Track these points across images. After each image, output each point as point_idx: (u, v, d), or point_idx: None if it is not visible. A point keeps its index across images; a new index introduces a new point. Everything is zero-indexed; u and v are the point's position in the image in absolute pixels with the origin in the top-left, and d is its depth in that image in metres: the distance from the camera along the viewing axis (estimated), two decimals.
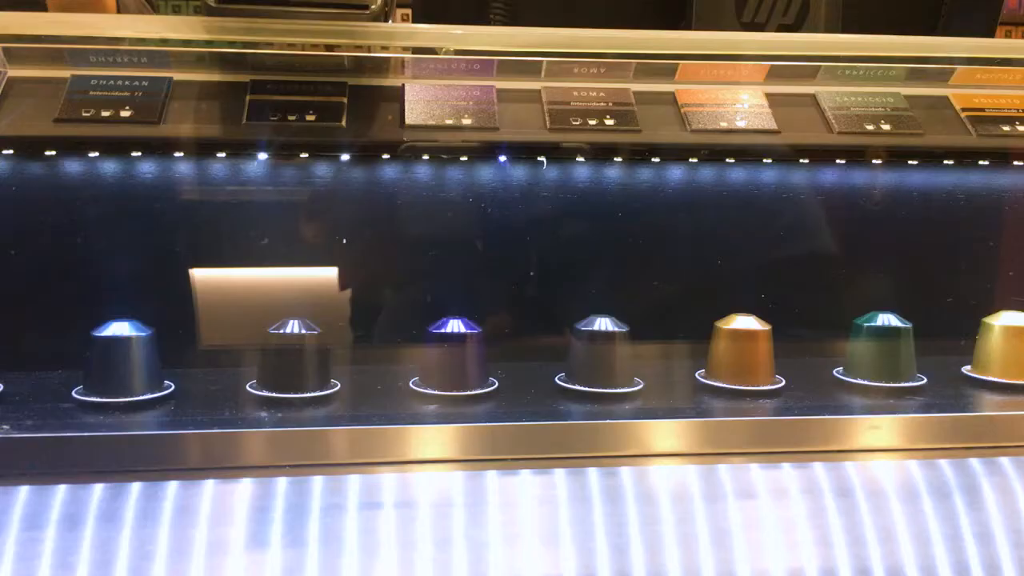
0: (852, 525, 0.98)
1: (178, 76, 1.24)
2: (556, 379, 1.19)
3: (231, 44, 1.17)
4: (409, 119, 1.22)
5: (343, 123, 1.21)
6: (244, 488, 0.97)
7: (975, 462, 1.06)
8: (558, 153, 1.29)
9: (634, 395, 1.16)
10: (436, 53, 1.23)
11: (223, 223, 1.31)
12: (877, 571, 0.96)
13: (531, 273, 1.34)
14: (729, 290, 1.36)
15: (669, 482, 1.01)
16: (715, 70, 1.29)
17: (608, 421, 1.05)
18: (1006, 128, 1.28)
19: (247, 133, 1.20)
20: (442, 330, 1.16)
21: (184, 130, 1.21)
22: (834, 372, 1.24)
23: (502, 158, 1.32)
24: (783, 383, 1.19)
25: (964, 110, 1.30)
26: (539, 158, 1.31)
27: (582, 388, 1.16)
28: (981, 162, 1.35)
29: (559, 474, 1.01)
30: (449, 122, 1.23)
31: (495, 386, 1.17)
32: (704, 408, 1.13)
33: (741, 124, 1.27)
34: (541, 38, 1.22)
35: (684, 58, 1.26)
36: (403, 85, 1.27)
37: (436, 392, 1.14)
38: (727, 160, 1.33)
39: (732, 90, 1.31)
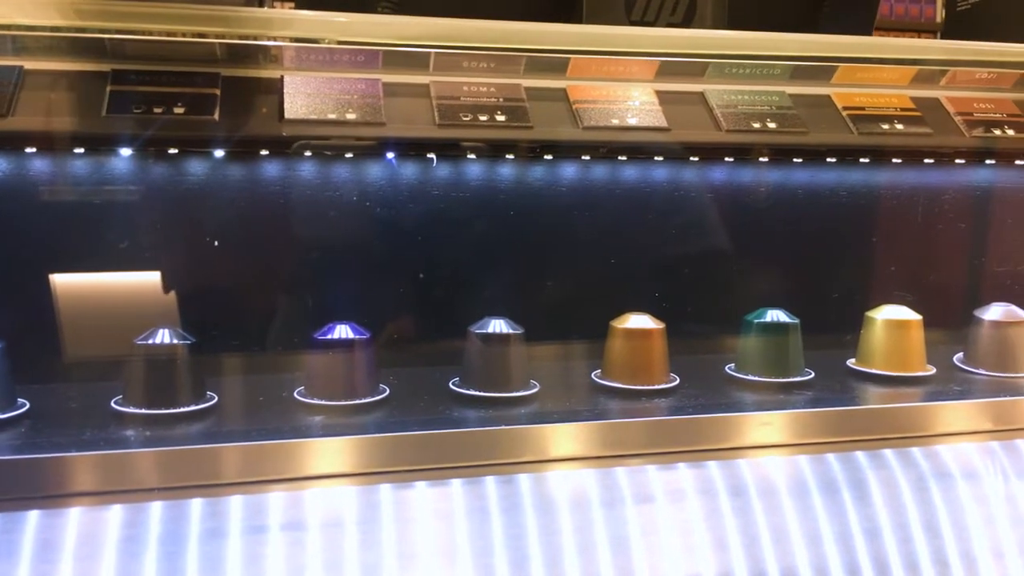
0: (747, 525, 0.99)
1: (30, 64, 1.13)
2: (451, 384, 1.15)
3: (87, 29, 1.07)
4: (289, 113, 1.15)
5: (216, 116, 1.13)
6: (113, 515, 0.88)
7: (861, 455, 1.08)
8: (448, 150, 1.24)
9: (531, 398, 1.13)
10: (318, 43, 1.16)
11: (83, 224, 1.20)
12: (772, 572, 0.97)
13: (421, 275, 1.29)
14: (624, 289, 1.35)
15: (567, 488, 0.98)
16: (606, 66, 1.27)
17: (505, 427, 1.01)
18: (885, 127, 1.31)
19: (107, 126, 1.10)
20: (328, 336, 1.10)
21: (36, 123, 1.10)
22: (726, 369, 1.25)
23: (390, 155, 1.26)
24: (677, 381, 1.19)
25: (845, 109, 1.33)
26: (429, 155, 1.27)
27: (477, 393, 1.12)
28: (862, 160, 1.39)
29: (455, 484, 0.97)
30: (332, 116, 1.16)
31: (386, 393, 1.12)
32: (601, 410, 1.11)
33: (632, 121, 1.26)
34: (429, 29, 1.17)
35: (576, 53, 1.23)
36: (282, 77, 1.19)
37: (323, 402, 1.08)
38: (619, 158, 1.32)
39: (623, 87, 1.29)
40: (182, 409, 1.03)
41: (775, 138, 1.29)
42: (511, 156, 1.29)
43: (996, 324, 1.29)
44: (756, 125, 1.28)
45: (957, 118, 1.37)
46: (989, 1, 1.56)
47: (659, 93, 1.30)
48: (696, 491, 1.00)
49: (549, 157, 1.31)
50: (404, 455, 0.98)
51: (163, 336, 1.04)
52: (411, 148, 1.24)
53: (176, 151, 1.19)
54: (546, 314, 1.32)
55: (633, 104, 1.28)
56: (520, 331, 1.14)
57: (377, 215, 1.28)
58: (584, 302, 1.33)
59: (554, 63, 1.25)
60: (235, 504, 0.91)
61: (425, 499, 0.95)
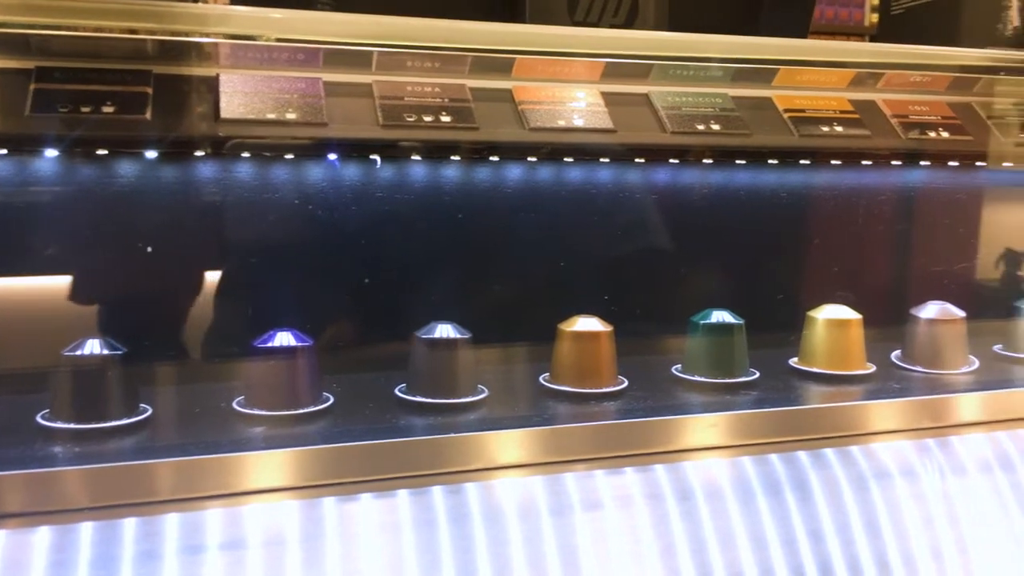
0: (694, 530, 0.99)
1: None
2: (397, 391, 1.12)
3: (9, 24, 1.01)
4: (225, 112, 1.11)
5: (147, 116, 1.08)
6: (40, 538, 0.84)
7: (803, 455, 1.09)
8: (392, 151, 1.22)
9: (478, 404, 1.11)
10: (255, 40, 1.12)
11: (6, 229, 1.14)
12: None
13: (366, 280, 1.27)
14: (571, 291, 1.34)
15: (516, 496, 0.97)
16: (552, 67, 1.26)
17: (452, 435, 0.99)
18: (824, 129, 1.33)
19: (31, 126, 1.04)
20: (269, 344, 1.06)
21: None
22: (673, 370, 1.25)
23: (332, 156, 1.23)
24: (626, 383, 1.18)
25: (786, 111, 1.35)
26: (372, 156, 1.24)
27: (424, 399, 1.10)
28: (803, 161, 1.41)
29: (402, 495, 0.95)
30: (271, 116, 1.12)
31: (330, 402, 1.09)
32: (549, 415, 1.10)
33: (579, 123, 1.25)
34: (371, 27, 1.14)
35: (521, 53, 1.22)
36: (218, 75, 1.15)
37: (264, 412, 1.04)
38: (565, 159, 1.31)
39: (569, 88, 1.29)
40: (113, 423, 0.98)
41: (719, 140, 1.30)
42: (456, 157, 1.27)
43: (932, 322, 1.31)
44: (700, 127, 1.28)
45: (893, 120, 1.39)
46: (922, 5, 1.60)
47: (605, 95, 1.29)
48: (644, 496, 0.99)
49: (495, 158, 1.30)
50: (349, 466, 0.95)
51: (92, 346, 0.99)
52: (354, 149, 1.21)
53: (105, 152, 1.13)
54: (493, 317, 1.31)
55: (579, 105, 1.27)
56: (467, 335, 1.12)
57: (319, 218, 1.25)
58: (531, 305, 1.32)
59: (499, 63, 1.23)
60: (171, 523, 0.87)
61: (370, 512, 0.92)
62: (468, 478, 0.98)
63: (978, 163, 1.45)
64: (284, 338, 1.07)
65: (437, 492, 0.95)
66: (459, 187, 1.31)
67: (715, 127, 1.29)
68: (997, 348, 1.39)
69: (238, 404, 1.06)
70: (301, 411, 1.05)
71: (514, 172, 1.33)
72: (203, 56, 1.14)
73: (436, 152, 1.24)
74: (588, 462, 1.02)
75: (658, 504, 0.99)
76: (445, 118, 1.19)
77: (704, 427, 1.08)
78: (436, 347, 1.11)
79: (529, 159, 1.31)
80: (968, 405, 1.19)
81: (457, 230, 1.32)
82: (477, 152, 1.25)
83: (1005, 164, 1.46)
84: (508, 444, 1.01)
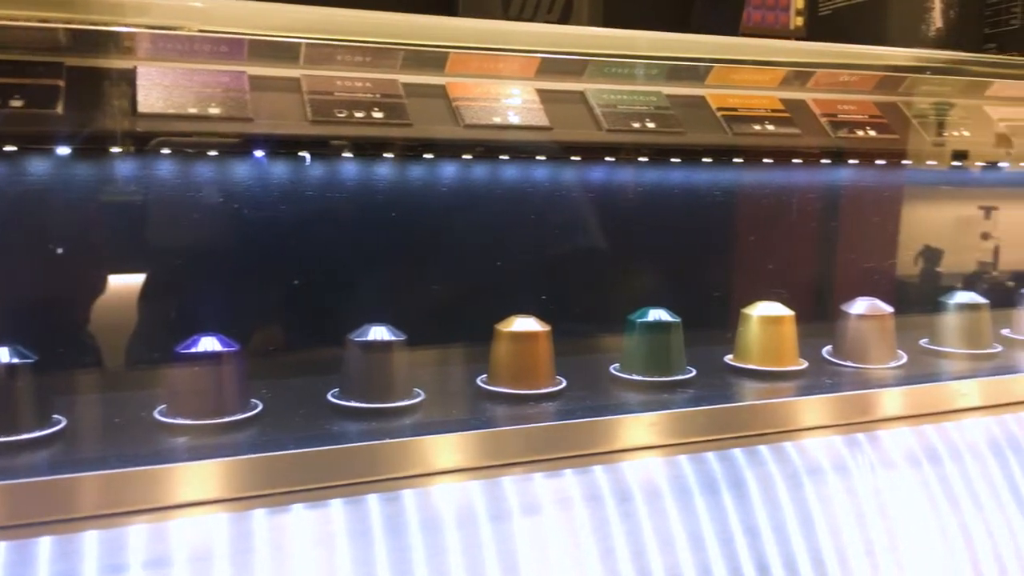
0: (633, 531, 0.98)
1: None
2: (329, 396, 1.09)
3: None
4: (143, 106, 1.05)
5: (59, 110, 1.02)
6: None
7: (738, 452, 1.10)
8: (322, 148, 1.18)
9: (414, 408, 1.08)
10: (175, 31, 1.07)
11: None
12: None
13: (296, 281, 1.22)
14: (508, 291, 1.33)
15: (454, 502, 0.95)
16: (486, 63, 1.24)
17: (388, 441, 0.96)
18: (757, 127, 1.34)
19: None
20: (193, 349, 1.01)
21: None
22: (611, 369, 1.24)
23: (258, 153, 1.18)
24: (564, 384, 1.17)
25: (719, 109, 1.35)
26: (301, 153, 1.20)
27: (358, 404, 1.07)
28: (736, 160, 1.41)
29: (336, 505, 0.92)
30: (192, 111, 1.07)
31: (259, 409, 1.05)
32: (487, 417, 1.08)
33: (514, 120, 1.23)
34: (298, 18, 1.10)
35: (455, 48, 1.19)
36: (135, 67, 1.10)
37: (188, 422, 1.00)
38: (501, 157, 1.29)
39: (504, 85, 1.27)
40: (25, 436, 0.92)
41: (654, 138, 1.29)
42: (389, 155, 1.24)
43: (861, 318, 1.34)
44: (636, 125, 1.28)
45: (823, 119, 1.41)
46: (849, 7, 1.63)
47: (540, 92, 1.27)
48: (583, 498, 0.98)
49: (429, 156, 1.27)
50: (280, 476, 0.91)
51: (0, 354, 0.93)
52: (282, 146, 1.17)
53: (14, 148, 1.07)
54: (429, 319, 1.28)
55: (514, 102, 1.25)
56: (402, 338, 1.09)
57: (246, 217, 1.20)
58: (468, 305, 1.30)
59: (433, 58, 1.20)
60: (90, 541, 0.82)
61: (303, 523, 0.89)
62: (404, 485, 0.95)
63: (904, 161, 1.48)
64: (209, 343, 1.02)
65: (373, 500, 0.93)
66: (392, 185, 1.28)
67: (651, 125, 1.29)
68: (923, 342, 1.43)
69: (160, 413, 1.01)
70: (228, 419, 1.01)
71: (449, 170, 1.30)
72: (120, 47, 1.08)
73: (368, 149, 1.21)
74: (527, 465, 1.01)
75: (597, 506, 0.98)
76: (377, 114, 1.15)
77: (643, 426, 1.07)
78: (370, 350, 1.08)
79: (464, 157, 1.29)
80: (896, 400, 1.21)
81: (391, 229, 1.29)
82: (411, 150, 1.22)
83: (929, 162, 1.50)
84: (445, 448, 0.99)
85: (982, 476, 1.16)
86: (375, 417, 1.05)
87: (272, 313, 1.23)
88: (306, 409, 1.07)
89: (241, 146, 1.14)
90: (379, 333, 1.09)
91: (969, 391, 1.24)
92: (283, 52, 1.13)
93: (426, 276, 1.32)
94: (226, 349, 1.02)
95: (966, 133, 1.50)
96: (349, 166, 1.25)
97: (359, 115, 1.14)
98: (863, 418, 1.19)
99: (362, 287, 1.26)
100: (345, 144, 1.17)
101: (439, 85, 1.24)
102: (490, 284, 1.34)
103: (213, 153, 1.16)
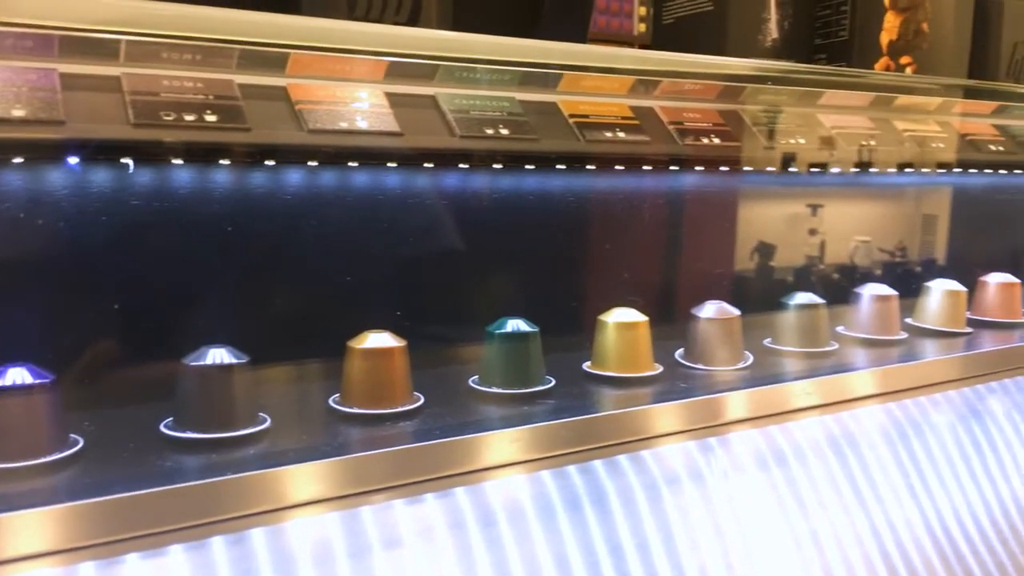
0: (499, 556, 0.94)
1: None
2: (162, 427, 0.99)
3: None
4: None
5: None
6: None
7: (599, 464, 1.09)
8: (147, 154, 1.07)
9: (260, 436, 1.00)
10: None
11: None
12: None
13: (121, 301, 1.11)
14: (360, 305, 1.26)
15: (308, 538, 0.88)
16: (331, 64, 1.17)
17: (231, 476, 0.88)
18: (609, 135, 1.35)
19: None
20: None
21: None
22: (470, 382, 1.20)
23: (72, 159, 1.06)
24: (422, 400, 1.12)
25: (572, 116, 1.35)
26: (123, 160, 1.08)
27: (196, 435, 0.97)
28: (589, 167, 1.41)
29: (175, 552, 0.83)
30: None
31: (79, 446, 0.93)
32: (341, 442, 1.01)
33: (363, 125, 1.17)
34: (117, 11, 0.99)
35: (297, 48, 1.12)
36: None
37: None
38: (349, 163, 1.22)
39: (351, 88, 1.20)
40: None
41: (508, 145, 1.27)
42: (226, 161, 1.15)
43: (711, 321, 1.37)
44: (489, 131, 1.25)
45: (670, 127, 1.44)
46: (691, 16, 1.67)
47: (389, 96, 1.22)
48: (447, 525, 0.94)
49: (270, 162, 1.18)
50: (108, 523, 0.82)
51: None
52: (100, 151, 1.05)
53: None
54: (275, 338, 1.19)
55: (362, 106, 1.19)
56: (244, 359, 1.01)
57: (59, 231, 1.08)
58: (317, 321, 1.22)
59: (272, 58, 1.12)
60: None
61: (138, 575, 0.80)
62: (252, 523, 0.87)
63: (746, 168, 1.53)
64: (18, 375, 0.90)
65: (217, 544, 0.84)
66: (230, 194, 1.18)
67: (504, 131, 1.26)
68: (767, 342, 1.48)
69: None
70: (44, 460, 0.89)
71: (293, 177, 1.22)
72: None
73: (201, 155, 1.11)
74: (386, 491, 0.95)
75: (461, 533, 0.94)
76: (210, 117, 1.06)
77: (505, 443, 1.04)
78: (208, 375, 0.99)
79: (309, 163, 1.21)
80: (745, 402, 1.24)
81: (229, 242, 1.19)
82: (249, 155, 1.14)
83: (769, 168, 1.56)
84: (296, 480, 0.91)
85: (825, 475, 1.20)
86: (216, 448, 0.96)
87: (95, 337, 1.10)
88: (136, 443, 0.97)
89: (51, 151, 1.02)
90: (218, 355, 1.00)
91: (811, 390, 1.29)
92: (100, 48, 1.02)
93: (271, 291, 1.23)
94: (38, 380, 0.91)
95: (801, 140, 1.58)
96: (180, 173, 1.14)
97: (190, 118, 1.04)
98: (715, 421, 1.21)
99: (199, 305, 1.16)
100: (174, 149, 1.07)
101: (280, 87, 1.15)
102: (341, 298, 1.27)
103: (18, 160, 1.03)
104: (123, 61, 1.05)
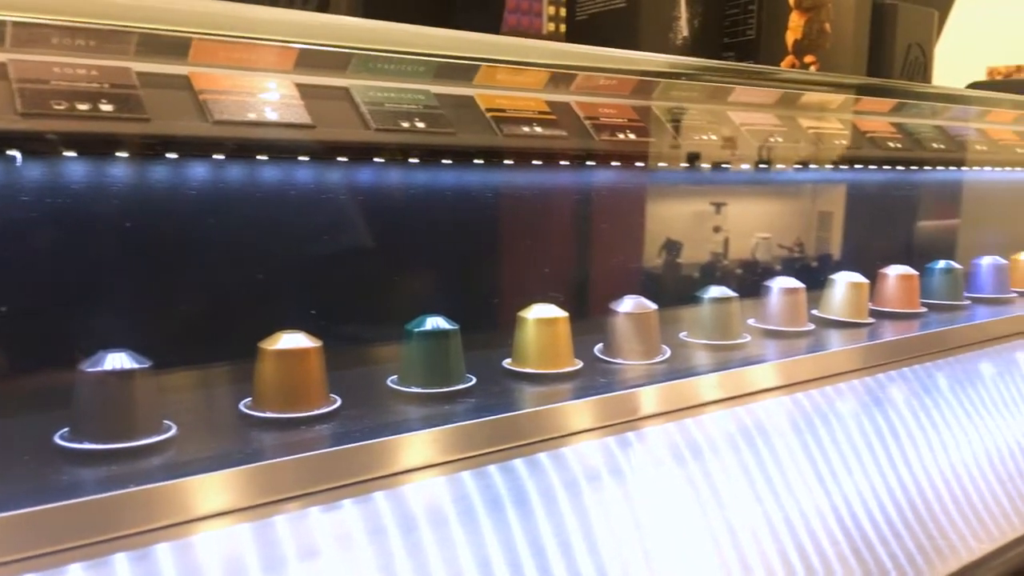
0: (420, 562, 0.92)
1: None
2: (57, 438, 0.92)
3: None
4: None
5: None
6: None
7: (519, 462, 1.08)
8: (37, 146, 1.00)
9: (165, 445, 0.95)
10: None
11: None
12: None
13: (3, 308, 1.03)
14: (273, 305, 1.21)
15: (219, 553, 0.83)
16: (237, 52, 1.12)
17: (134, 488, 0.83)
18: (526, 129, 1.33)
19: None
20: None
21: None
22: (388, 382, 1.17)
23: None
24: (339, 403, 1.09)
25: (488, 110, 1.33)
26: (10, 152, 1.01)
27: (95, 446, 0.91)
28: (507, 161, 1.40)
29: (74, 571, 0.77)
30: None
31: None
32: (254, 448, 0.97)
33: (272, 116, 1.12)
34: None
35: (199, 35, 1.06)
36: None
37: None
38: (258, 157, 1.17)
39: (258, 77, 1.15)
40: None
41: (425, 138, 1.24)
42: (124, 154, 1.08)
43: (629, 316, 1.38)
44: (405, 124, 1.22)
45: (587, 122, 1.44)
46: (605, 12, 1.68)
47: (300, 86, 1.17)
48: (365, 531, 0.91)
49: (173, 155, 1.12)
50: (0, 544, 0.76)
51: None
52: None
53: None
54: (181, 340, 1.14)
55: (271, 97, 1.14)
56: (147, 364, 0.95)
57: None
58: (226, 323, 1.17)
59: (173, 45, 1.06)
60: None
61: None
62: (158, 538, 0.83)
63: (661, 164, 1.55)
64: None
65: (120, 561, 0.79)
66: (129, 189, 1.11)
67: (420, 125, 1.23)
68: (683, 335, 1.50)
69: None
70: None
71: (198, 171, 1.17)
72: None
73: (96, 147, 1.04)
74: (301, 499, 0.91)
75: (381, 539, 0.91)
76: (106, 107, 1.00)
77: (425, 444, 1.02)
78: (107, 381, 0.93)
79: (215, 156, 1.15)
80: (662, 395, 1.25)
81: (129, 240, 1.12)
82: (149, 148, 1.07)
83: (683, 164, 1.58)
84: (205, 490, 0.87)
85: (739, 466, 1.23)
86: (117, 460, 0.91)
87: None
88: (29, 456, 0.90)
89: None
90: (118, 360, 0.94)
91: (727, 382, 1.32)
92: None
93: (175, 292, 1.17)
94: None
95: (713, 136, 1.60)
96: (74, 167, 1.07)
97: (83, 107, 0.98)
98: (635, 416, 1.22)
99: (97, 308, 1.09)
100: (66, 140, 1.00)
101: (182, 75, 1.10)
102: (251, 297, 1.22)
103: None
104: (10, 46, 0.97)
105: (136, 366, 0.94)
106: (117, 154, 1.08)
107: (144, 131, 1.04)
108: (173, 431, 0.97)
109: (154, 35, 1.03)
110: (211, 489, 0.87)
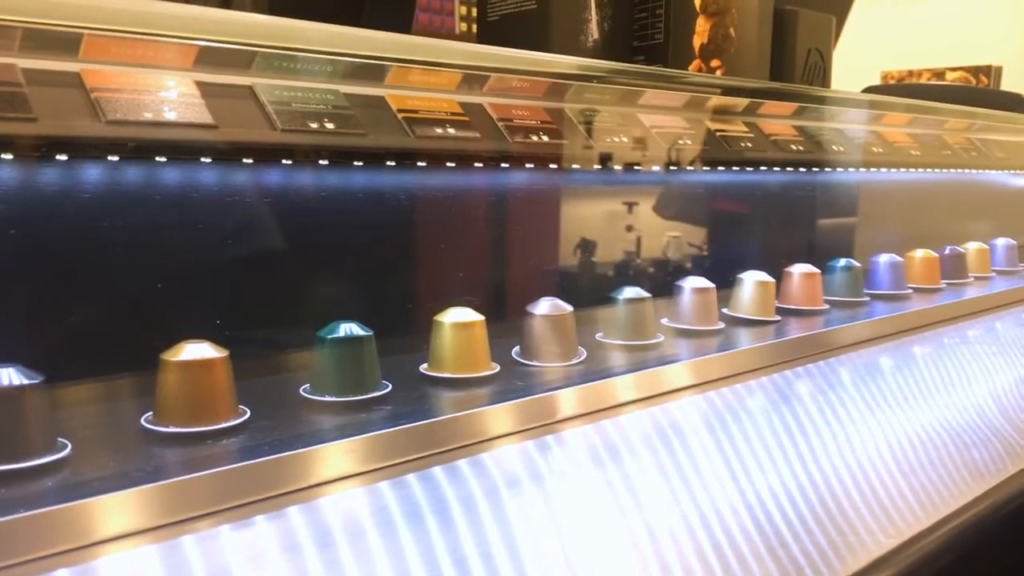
0: None
1: None
2: None
3: None
4: None
5: None
6: None
7: (438, 470, 1.06)
8: None
9: (59, 465, 0.89)
10: None
11: None
12: None
13: None
14: (175, 314, 1.16)
15: None
16: (131, 48, 1.06)
17: (26, 513, 0.77)
18: (439, 130, 1.31)
19: None
20: None
21: None
22: (301, 391, 1.14)
23: None
24: (248, 414, 1.05)
25: (400, 111, 1.30)
26: None
27: None
28: (419, 163, 1.37)
29: None
30: None
31: None
32: (157, 466, 0.92)
33: (171, 116, 1.07)
34: None
35: (90, 29, 1.00)
36: None
37: None
38: (157, 158, 1.12)
39: (155, 75, 1.10)
40: None
41: (334, 139, 1.21)
42: (8, 155, 1.01)
43: (545, 318, 1.37)
44: (314, 125, 1.18)
45: (500, 124, 1.43)
46: (516, 14, 1.67)
47: (201, 85, 1.12)
48: (280, 548, 0.87)
49: (63, 157, 1.06)
50: None
51: None
52: None
53: None
54: (76, 353, 1.07)
55: (170, 96, 1.09)
56: (38, 379, 0.89)
57: None
58: (125, 333, 1.11)
59: (62, 40, 1.00)
60: None
61: None
62: (53, 565, 0.77)
63: (573, 165, 1.55)
64: None
65: None
66: (15, 193, 1.04)
67: (329, 125, 1.20)
68: (598, 336, 1.51)
69: None
70: None
71: (91, 173, 1.10)
72: None
73: None
74: (211, 517, 0.87)
75: (296, 556, 0.87)
76: None
77: (340, 454, 0.99)
78: None
79: (109, 158, 1.09)
80: (580, 397, 1.25)
81: (16, 247, 1.05)
82: (36, 149, 1.01)
83: (596, 166, 1.59)
84: (104, 511, 0.82)
85: (656, 466, 1.24)
86: (6, 482, 0.84)
87: None
88: None
89: None
90: (5, 376, 0.88)
91: (643, 382, 1.33)
92: None
93: (69, 302, 1.10)
94: None
95: (624, 138, 1.62)
96: None
97: None
98: (552, 419, 1.22)
99: None
100: None
101: (72, 72, 1.03)
102: (152, 307, 1.16)
103: None
104: None
105: (26, 381, 0.88)
106: (2, 156, 1.01)
107: (30, 131, 0.98)
108: (68, 450, 0.91)
109: (42, 29, 0.97)
110: (111, 510, 0.82)
